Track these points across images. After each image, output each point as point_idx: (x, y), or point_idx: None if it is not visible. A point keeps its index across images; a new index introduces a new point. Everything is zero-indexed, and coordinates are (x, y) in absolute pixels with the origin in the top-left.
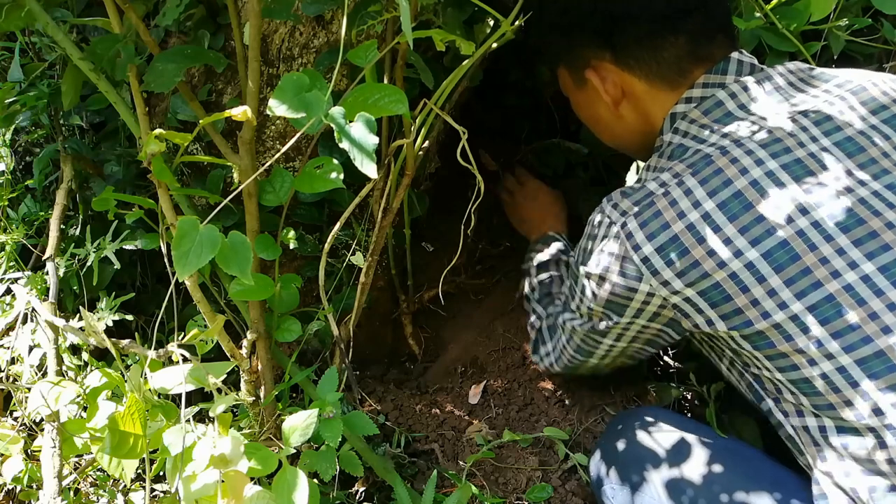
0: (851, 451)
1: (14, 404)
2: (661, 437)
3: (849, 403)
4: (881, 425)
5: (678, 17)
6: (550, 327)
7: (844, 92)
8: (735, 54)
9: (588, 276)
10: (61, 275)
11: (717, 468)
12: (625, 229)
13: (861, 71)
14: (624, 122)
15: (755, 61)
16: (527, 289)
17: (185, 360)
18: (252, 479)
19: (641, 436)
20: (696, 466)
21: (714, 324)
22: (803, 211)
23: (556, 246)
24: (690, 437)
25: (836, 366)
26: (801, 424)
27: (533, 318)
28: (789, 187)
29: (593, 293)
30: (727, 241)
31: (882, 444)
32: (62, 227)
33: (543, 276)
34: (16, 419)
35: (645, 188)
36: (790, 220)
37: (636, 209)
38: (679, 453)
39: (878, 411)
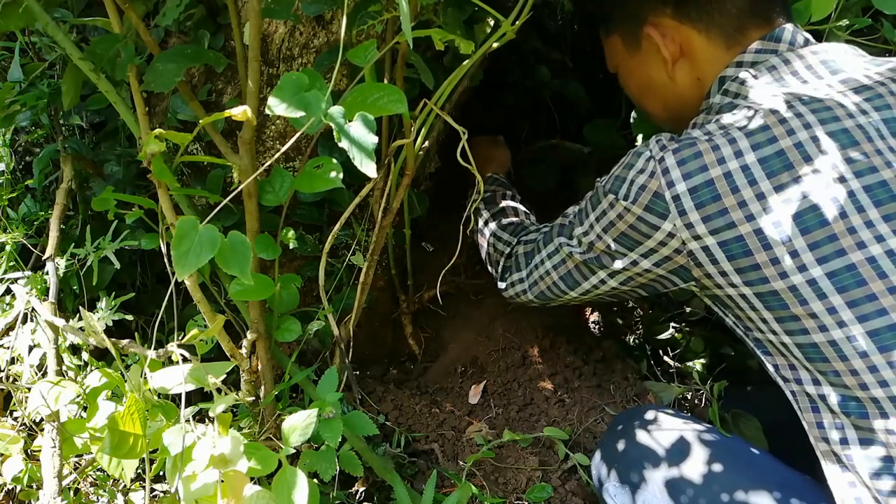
0: (851, 419)
1: (14, 404)
2: (662, 436)
3: (854, 373)
4: (885, 397)
5: None
6: (527, 253)
7: None
8: (790, 26)
9: (613, 203)
10: (61, 275)
11: (719, 467)
12: (662, 164)
13: None
14: (676, 86)
15: (810, 37)
16: (481, 222)
17: (184, 360)
18: (252, 478)
19: (642, 435)
20: (697, 466)
21: (727, 276)
22: (841, 179)
23: (500, 184)
24: (692, 437)
25: (847, 334)
26: (800, 390)
27: (499, 244)
28: (831, 154)
29: (611, 222)
30: (760, 196)
31: (884, 415)
32: (62, 226)
33: (495, 207)
34: (16, 419)
35: (689, 135)
36: (827, 185)
37: (676, 145)
38: (680, 452)
39: (882, 383)
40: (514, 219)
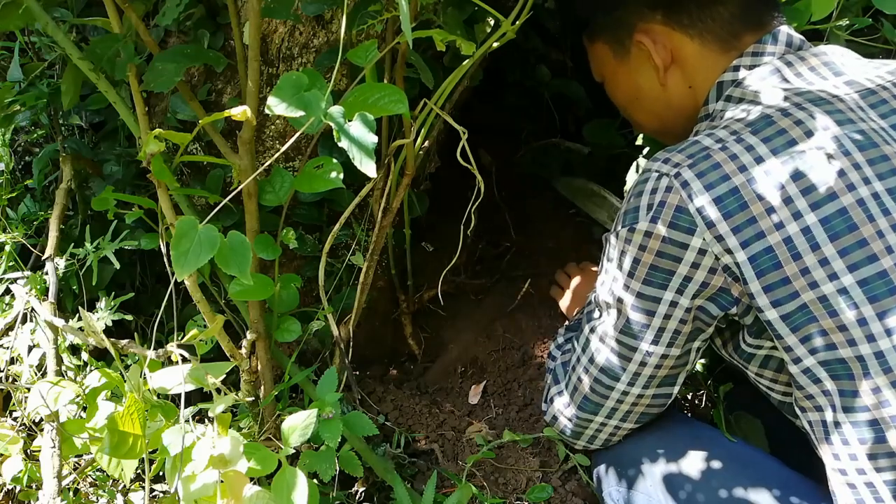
0: (868, 446)
1: (14, 404)
2: (662, 435)
3: (876, 391)
4: None
5: None
6: (566, 362)
7: None
8: (785, 27)
9: (630, 237)
10: (61, 275)
11: (719, 466)
12: (679, 178)
13: None
14: (667, 94)
15: (805, 40)
16: (549, 362)
17: (184, 360)
18: (251, 479)
19: (642, 434)
20: (696, 464)
21: (755, 298)
22: (865, 181)
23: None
24: (692, 436)
25: (875, 350)
26: (818, 419)
27: (549, 362)
28: (854, 155)
29: (635, 259)
30: (788, 201)
31: None
32: (62, 226)
33: (571, 334)
34: (15, 419)
35: (698, 143)
36: (852, 187)
37: (690, 160)
38: (680, 451)
39: None
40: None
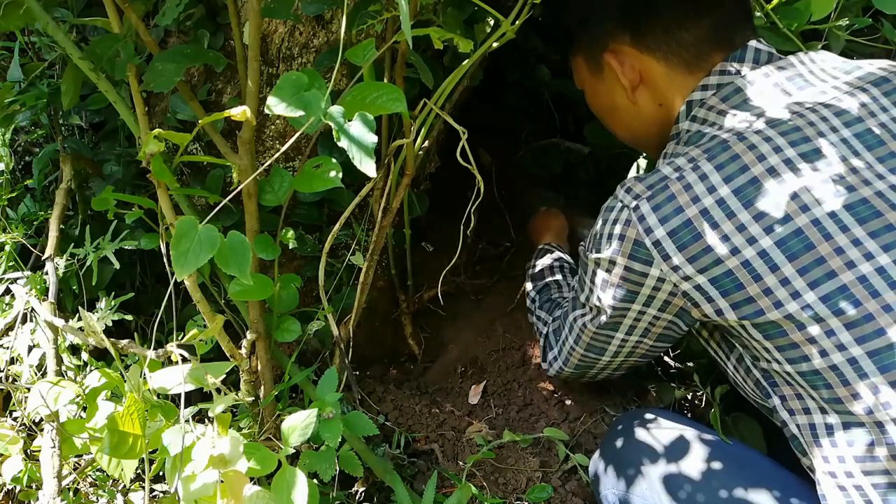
0: (855, 448)
1: (14, 404)
2: (662, 435)
3: (857, 396)
4: (889, 419)
5: (709, 2)
6: (556, 330)
7: (866, 84)
8: (753, 42)
9: (598, 262)
10: (61, 275)
11: (718, 466)
12: (636, 212)
13: (883, 62)
14: (639, 110)
15: (773, 50)
16: (528, 302)
17: (184, 360)
18: (251, 479)
19: (642, 435)
20: (695, 464)
21: (724, 313)
22: (820, 201)
23: (550, 255)
24: (692, 437)
25: (847, 357)
26: (806, 422)
27: (539, 324)
28: (807, 176)
29: (603, 280)
30: (741, 228)
31: (887, 440)
32: (62, 226)
33: (540, 283)
34: (15, 419)
35: (659, 172)
36: (806, 208)
37: (649, 193)
38: (679, 452)
39: (886, 405)
40: (555, 294)
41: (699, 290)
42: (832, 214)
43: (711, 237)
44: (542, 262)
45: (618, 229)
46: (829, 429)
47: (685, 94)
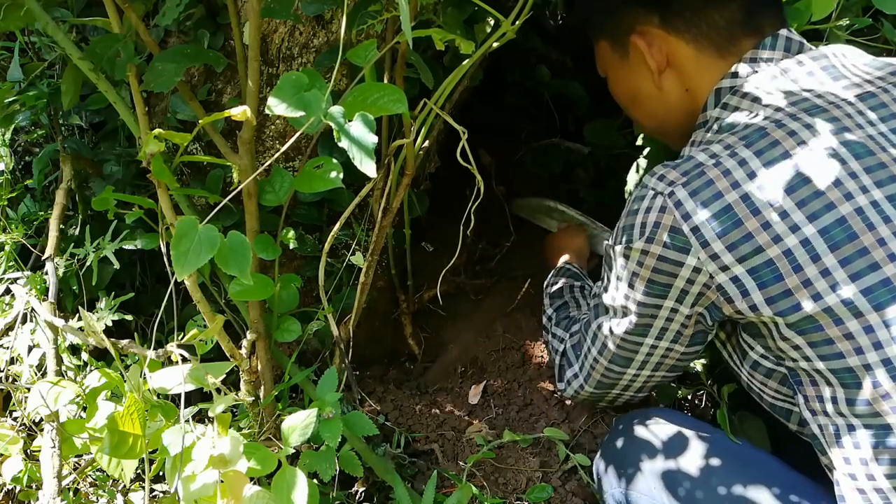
0: (880, 451)
1: (14, 404)
2: (663, 433)
3: (886, 397)
4: None
5: None
6: (575, 345)
7: None
8: (784, 31)
9: (627, 254)
10: (61, 275)
11: (719, 464)
12: (672, 198)
13: None
14: (665, 96)
15: (804, 40)
16: (544, 320)
17: (184, 360)
18: (251, 479)
19: (643, 434)
20: (696, 461)
21: (758, 308)
22: (863, 189)
23: (566, 275)
24: (693, 436)
25: (882, 357)
26: (829, 422)
27: (555, 342)
28: (850, 164)
29: (633, 273)
30: (783, 215)
31: None
32: (62, 226)
33: (558, 301)
34: (15, 419)
35: (693, 159)
36: (850, 196)
37: (684, 179)
38: (680, 450)
39: None
40: (573, 312)
41: (735, 283)
42: (875, 204)
43: (752, 223)
44: (561, 282)
45: (652, 217)
46: (852, 429)
47: (714, 79)
